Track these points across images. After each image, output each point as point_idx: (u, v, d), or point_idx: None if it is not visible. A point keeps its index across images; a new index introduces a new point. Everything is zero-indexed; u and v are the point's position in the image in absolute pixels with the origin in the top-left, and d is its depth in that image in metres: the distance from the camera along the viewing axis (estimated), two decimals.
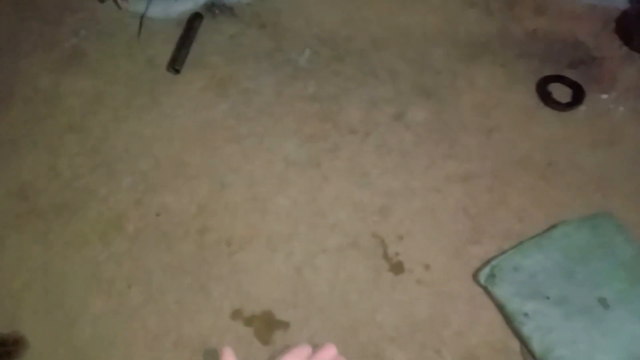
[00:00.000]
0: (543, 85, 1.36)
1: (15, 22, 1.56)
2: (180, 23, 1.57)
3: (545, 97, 1.34)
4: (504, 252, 1.08)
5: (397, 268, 1.12)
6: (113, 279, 1.14)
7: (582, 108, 1.34)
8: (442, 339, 1.04)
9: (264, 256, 1.16)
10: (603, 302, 0.99)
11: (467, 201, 1.22)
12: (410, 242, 1.16)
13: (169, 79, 1.46)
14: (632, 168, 1.24)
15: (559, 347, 0.95)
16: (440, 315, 1.06)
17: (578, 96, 1.34)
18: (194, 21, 1.54)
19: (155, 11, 1.58)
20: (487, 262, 1.08)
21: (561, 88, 1.37)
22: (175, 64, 1.46)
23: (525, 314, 0.99)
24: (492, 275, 1.04)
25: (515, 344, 1.02)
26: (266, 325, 1.08)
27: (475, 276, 1.08)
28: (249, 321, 1.08)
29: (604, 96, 1.37)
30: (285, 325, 1.08)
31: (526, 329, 0.98)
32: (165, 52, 1.51)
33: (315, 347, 0.49)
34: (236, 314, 1.09)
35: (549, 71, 1.39)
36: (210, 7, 1.61)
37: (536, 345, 0.96)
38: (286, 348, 0.49)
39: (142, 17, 1.56)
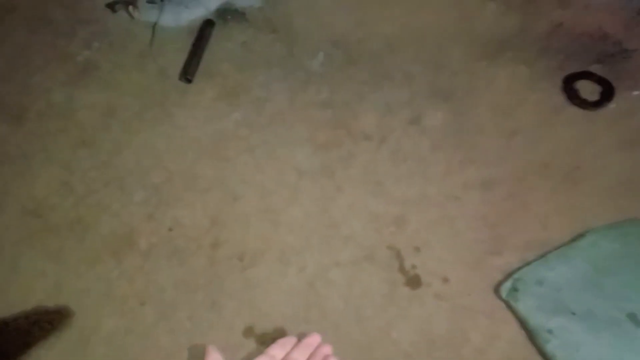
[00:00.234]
0: (569, 82, 1.29)
1: (28, 36, 1.56)
2: (192, 31, 1.55)
3: (572, 95, 1.27)
4: (526, 264, 1.03)
5: (414, 282, 1.08)
6: (126, 296, 1.13)
7: (611, 106, 1.27)
8: (461, 356, 1.00)
9: (276, 271, 1.13)
10: (633, 318, 0.92)
11: (486, 209, 1.17)
12: (427, 254, 1.11)
13: (181, 89, 1.45)
14: None
15: None
16: (459, 331, 1.02)
17: (607, 93, 1.26)
18: (205, 29, 1.52)
19: (166, 19, 1.56)
20: (509, 274, 1.02)
21: (589, 85, 1.29)
22: (187, 74, 1.44)
23: (550, 331, 0.93)
24: (514, 289, 0.99)
25: None
26: None
27: (496, 290, 1.03)
28: (261, 338, 1.05)
29: (636, 92, 1.29)
30: None
31: (550, 346, 0.93)
32: (177, 61, 1.49)
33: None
34: (248, 331, 1.06)
35: (574, 67, 1.32)
36: (221, 13, 1.59)
37: None
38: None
39: (154, 26, 1.55)
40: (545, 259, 1.02)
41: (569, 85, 1.28)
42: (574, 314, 0.94)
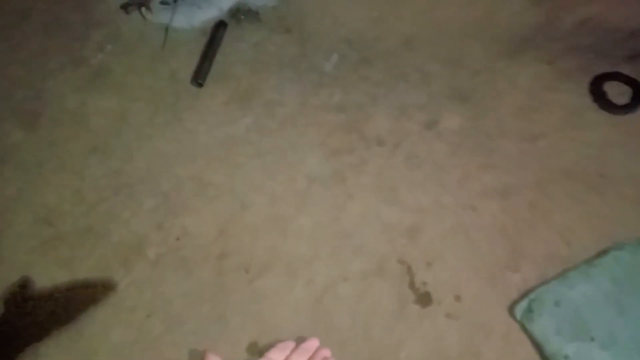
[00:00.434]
0: (597, 84, 1.21)
1: (44, 41, 1.57)
2: (204, 32, 1.53)
3: (599, 97, 1.19)
4: (545, 283, 0.97)
5: (425, 299, 1.03)
6: (134, 307, 1.12)
7: None
8: None
9: (283, 283, 1.10)
10: None
11: (505, 219, 1.11)
12: (439, 268, 1.06)
13: (193, 93, 1.42)
14: None
15: None
16: (472, 353, 0.97)
17: (638, 96, 1.18)
18: (217, 31, 1.49)
19: (179, 21, 1.54)
20: (526, 293, 0.97)
21: (618, 87, 1.21)
22: (199, 78, 1.41)
23: (567, 357, 0.87)
24: (529, 311, 0.93)
25: None
26: None
27: (511, 309, 0.97)
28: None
29: None
30: None
31: None
32: (189, 64, 1.47)
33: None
34: (253, 346, 1.04)
35: (603, 67, 1.23)
36: (235, 13, 1.55)
37: None
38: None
39: (166, 28, 1.53)
40: (564, 277, 0.96)
41: (596, 87, 1.20)
42: (593, 339, 0.88)
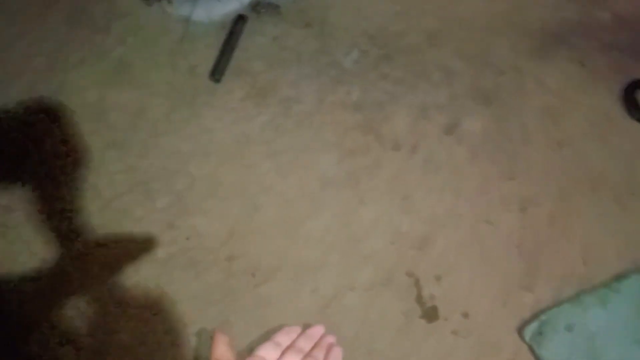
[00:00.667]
0: (630, 91, 1.12)
1: (67, 31, 1.57)
2: (224, 26, 1.50)
3: (632, 106, 1.11)
4: (558, 305, 0.92)
5: (431, 314, 1.00)
6: (142, 306, 1.14)
7: None
8: None
9: (289, 289, 1.09)
10: None
11: (523, 234, 1.06)
12: (449, 283, 1.03)
13: (210, 89, 1.41)
14: None
15: None
16: None
17: None
18: (237, 25, 1.46)
19: (198, 14, 1.52)
20: (537, 315, 0.92)
21: None
22: (216, 74, 1.39)
23: None
24: (539, 333, 0.89)
25: None
26: None
27: (520, 330, 0.93)
28: None
29: None
30: None
31: None
32: (208, 58, 1.45)
33: None
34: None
35: (638, 69, 1.15)
36: (255, 6, 1.52)
37: None
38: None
39: (186, 22, 1.51)
40: (578, 300, 0.91)
41: (629, 94, 1.12)
42: None
